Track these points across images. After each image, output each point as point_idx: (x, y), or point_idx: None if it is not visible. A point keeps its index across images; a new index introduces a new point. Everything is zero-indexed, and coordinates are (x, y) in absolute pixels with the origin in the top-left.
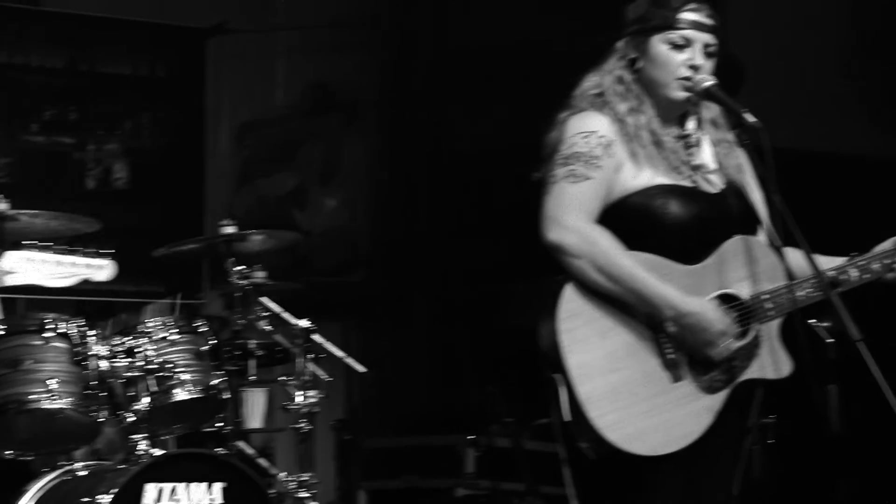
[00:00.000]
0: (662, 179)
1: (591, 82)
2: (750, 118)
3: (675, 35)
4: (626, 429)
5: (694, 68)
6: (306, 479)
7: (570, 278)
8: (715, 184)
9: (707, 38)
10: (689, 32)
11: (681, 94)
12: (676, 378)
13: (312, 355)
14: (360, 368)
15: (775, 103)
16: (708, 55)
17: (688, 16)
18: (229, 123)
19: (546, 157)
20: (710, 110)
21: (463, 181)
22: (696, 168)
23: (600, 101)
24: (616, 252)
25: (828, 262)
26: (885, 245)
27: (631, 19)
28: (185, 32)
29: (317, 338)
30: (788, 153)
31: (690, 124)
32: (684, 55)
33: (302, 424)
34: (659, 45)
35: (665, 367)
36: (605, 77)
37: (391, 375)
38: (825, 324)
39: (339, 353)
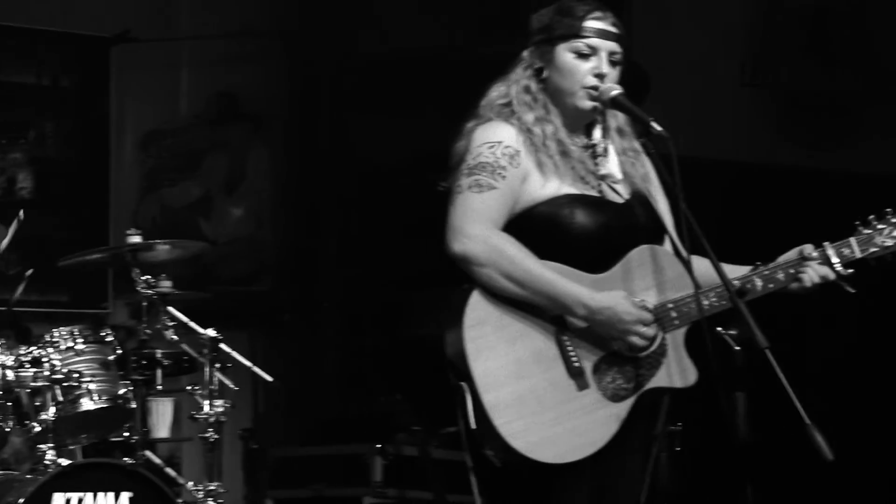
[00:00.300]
0: (569, 189)
1: (497, 92)
2: (657, 127)
3: (580, 44)
4: (531, 437)
5: (600, 76)
6: (213, 488)
7: (477, 286)
8: (621, 193)
9: (612, 46)
10: (595, 41)
11: (587, 103)
12: (582, 386)
13: (219, 365)
14: (268, 378)
15: (680, 112)
16: (613, 63)
17: (593, 24)
18: (134, 133)
19: (453, 166)
20: (616, 119)
21: (369, 189)
22: (603, 178)
23: (507, 111)
24: (523, 256)
25: (732, 272)
26: (790, 255)
27: (536, 28)
28: (89, 41)
29: (223, 347)
30: (693, 162)
31: (597, 133)
32: (590, 64)
33: (209, 434)
34: (564, 53)
35: (571, 375)
36: (512, 87)
37: (298, 384)
38: (732, 331)
39: (246, 362)
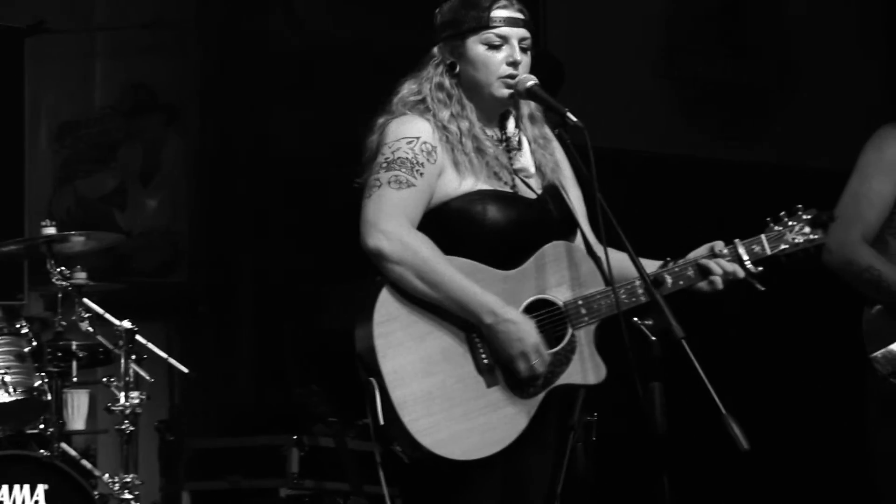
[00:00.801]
0: (483, 185)
1: (408, 89)
2: (572, 118)
3: (490, 34)
4: (440, 433)
5: (514, 65)
6: (129, 480)
7: (387, 281)
8: (534, 188)
9: (522, 32)
10: (504, 30)
11: (505, 91)
12: (491, 383)
13: (135, 356)
14: (184, 369)
15: (595, 103)
16: (523, 50)
17: (500, 13)
18: (48, 124)
19: (366, 161)
20: (528, 105)
21: (284, 181)
22: (517, 171)
23: (422, 107)
24: (436, 259)
25: (644, 267)
26: (700, 251)
27: (442, 24)
28: (2, 32)
29: (139, 339)
30: (608, 152)
31: (511, 126)
32: (502, 53)
33: (125, 425)
34: (476, 46)
35: (480, 372)
36: (425, 84)
37: (214, 376)
38: (648, 322)
39: (161, 353)
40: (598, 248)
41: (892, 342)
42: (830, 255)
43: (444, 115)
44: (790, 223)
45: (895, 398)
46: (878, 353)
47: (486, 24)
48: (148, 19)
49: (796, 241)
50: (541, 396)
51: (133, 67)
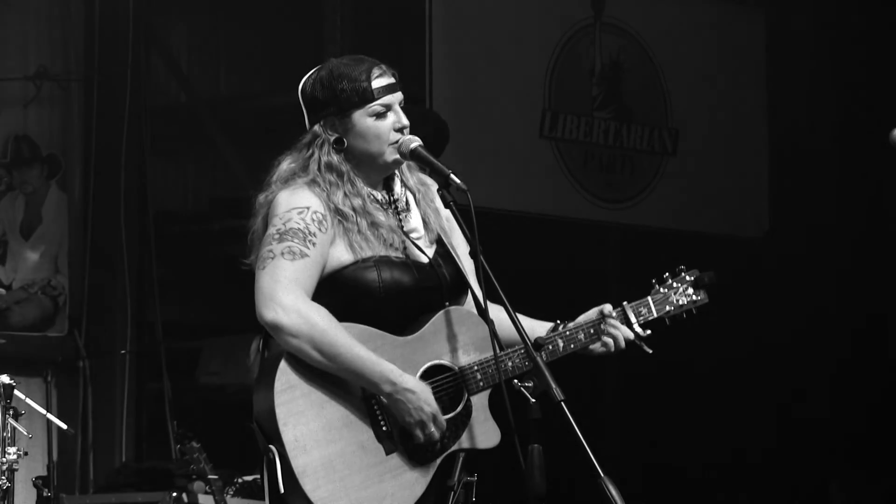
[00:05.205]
0: (376, 252)
1: (288, 168)
2: (456, 180)
3: (376, 105)
4: (340, 501)
5: (402, 129)
6: None
7: (286, 349)
8: (425, 250)
9: (400, 96)
10: (387, 98)
11: (396, 156)
12: (390, 449)
13: (13, 411)
14: (62, 425)
15: (478, 163)
16: (404, 109)
17: (379, 83)
18: None
19: (253, 240)
20: None
21: (165, 235)
22: (408, 234)
23: (310, 181)
24: (333, 330)
25: (537, 328)
26: (590, 314)
27: (320, 102)
28: None
29: (17, 394)
30: (489, 213)
31: (398, 187)
32: (389, 120)
33: (1, 481)
34: (363, 119)
35: (379, 439)
36: (311, 164)
37: (94, 431)
38: (528, 384)
39: (40, 409)
40: (491, 310)
41: None
42: None
43: (338, 197)
44: (674, 285)
45: None
46: None
47: (371, 97)
48: (32, 71)
49: (680, 302)
50: (437, 462)
51: (16, 119)
